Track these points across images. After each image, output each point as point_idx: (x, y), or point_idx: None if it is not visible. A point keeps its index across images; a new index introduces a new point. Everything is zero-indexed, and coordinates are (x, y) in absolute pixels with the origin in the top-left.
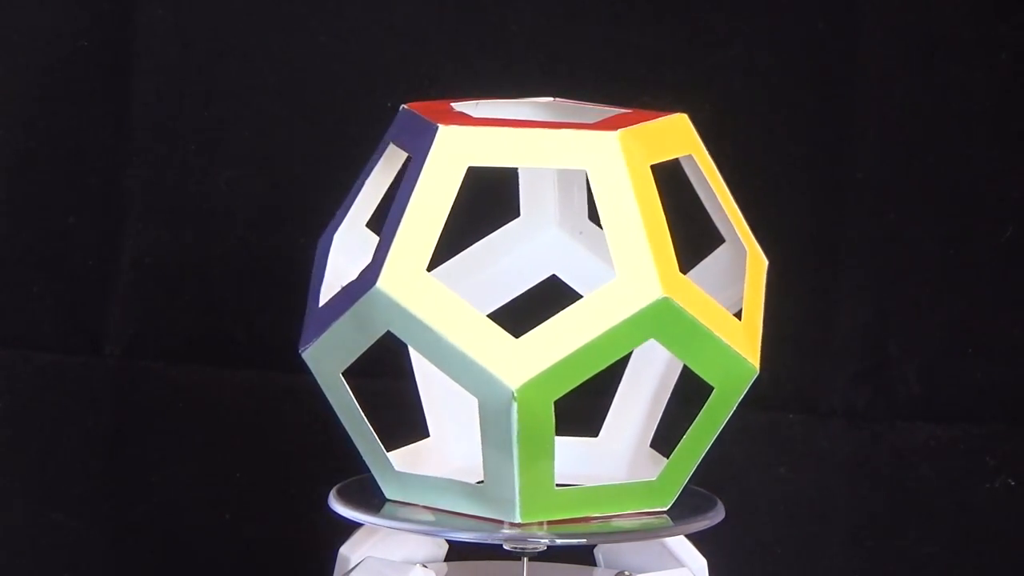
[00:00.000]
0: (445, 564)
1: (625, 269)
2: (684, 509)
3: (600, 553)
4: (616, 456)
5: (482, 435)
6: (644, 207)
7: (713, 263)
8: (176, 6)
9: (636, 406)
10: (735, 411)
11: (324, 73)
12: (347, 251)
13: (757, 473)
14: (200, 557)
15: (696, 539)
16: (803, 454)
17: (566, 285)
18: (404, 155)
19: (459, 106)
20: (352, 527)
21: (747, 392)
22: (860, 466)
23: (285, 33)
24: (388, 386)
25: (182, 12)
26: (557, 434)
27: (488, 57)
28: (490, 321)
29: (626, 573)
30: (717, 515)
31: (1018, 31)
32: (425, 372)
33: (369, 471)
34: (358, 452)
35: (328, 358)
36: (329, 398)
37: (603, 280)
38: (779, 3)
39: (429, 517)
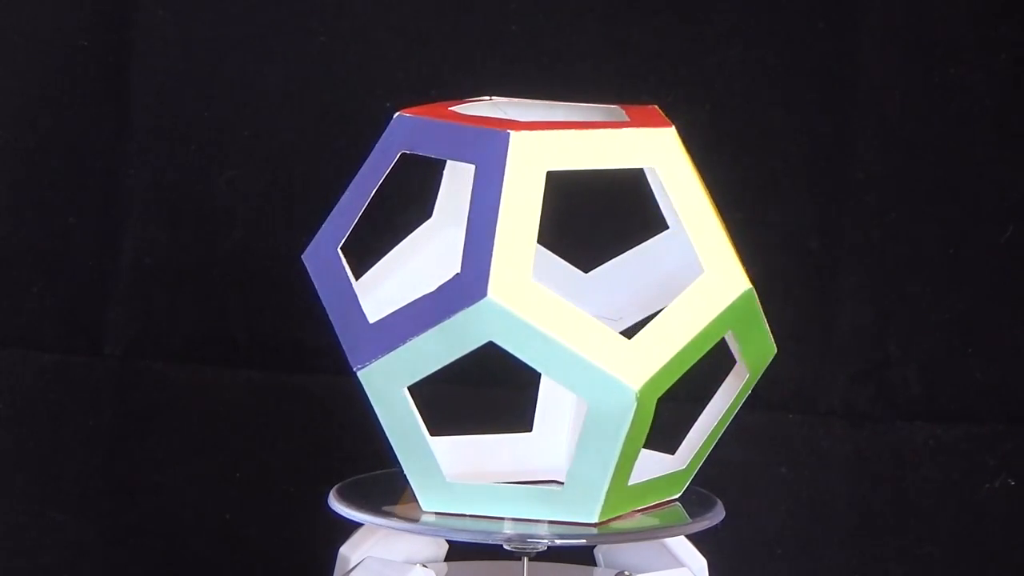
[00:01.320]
0: (445, 564)
1: (712, 264)
2: (684, 509)
3: (600, 553)
4: (553, 450)
5: (583, 438)
6: (710, 202)
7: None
8: (176, 6)
9: (564, 399)
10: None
11: (324, 73)
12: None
13: (757, 473)
14: (200, 557)
15: (696, 539)
16: (803, 454)
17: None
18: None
19: (464, 107)
20: (352, 527)
21: (747, 392)
22: (860, 466)
23: (285, 33)
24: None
25: (182, 12)
26: (488, 432)
27: (488, 57)
28: (602, 324)
29: (626, 573)
30: (717, 515)
31: (1018, 31)
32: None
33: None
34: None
35: (396, 375)
36: (381, 414)
37: None
38: (779, 3)
39: (430, 517)
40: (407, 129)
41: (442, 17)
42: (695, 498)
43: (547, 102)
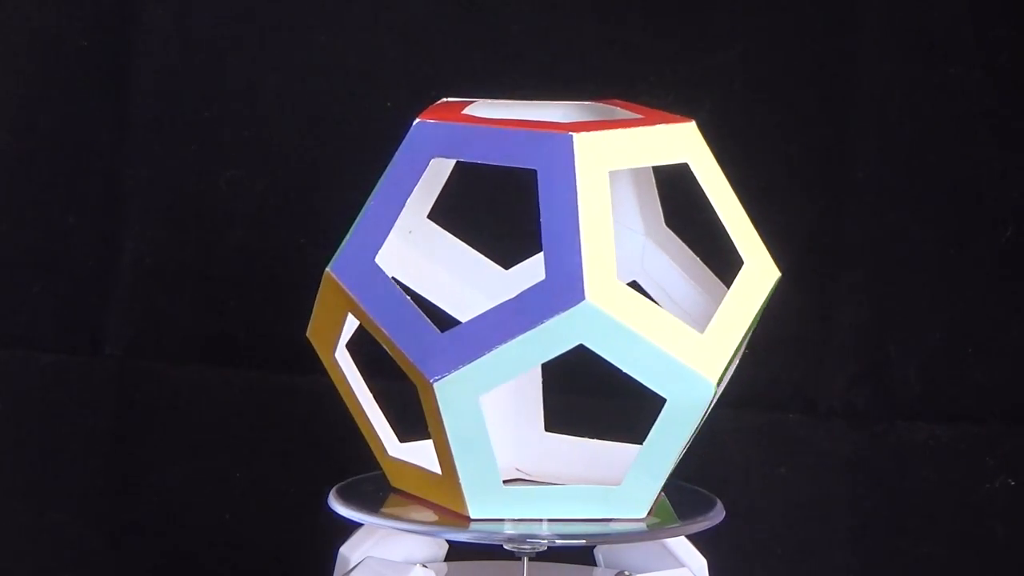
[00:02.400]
0: (445, 564)
1: (749, 255)
2: (684, 509)
3: (600, 553)
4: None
5: (656, 434)
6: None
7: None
8: (176, 6)
9: None
10: (735, 411)
11: (324, 73)
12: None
13: (757, 473)
14: (200, 557)
15: (696, 539)
16: (803, 454)
17: None
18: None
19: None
20: (352, 527)
21: (747, 392)
22: (860, 466)
23: (285, 33)
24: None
25: (182, 12)
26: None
27: (488, 57)
28: (676, 320)
29: (626, 573)
30: (717, 515)
31: (1018, 31)
32: None
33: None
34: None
35: (476, 384)
36: (448, 422)
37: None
38: (779, 3)
39: (431, 517)
40: (437, 136)
41: (442, 18)
42: (695, 498)
43: (532, 102)
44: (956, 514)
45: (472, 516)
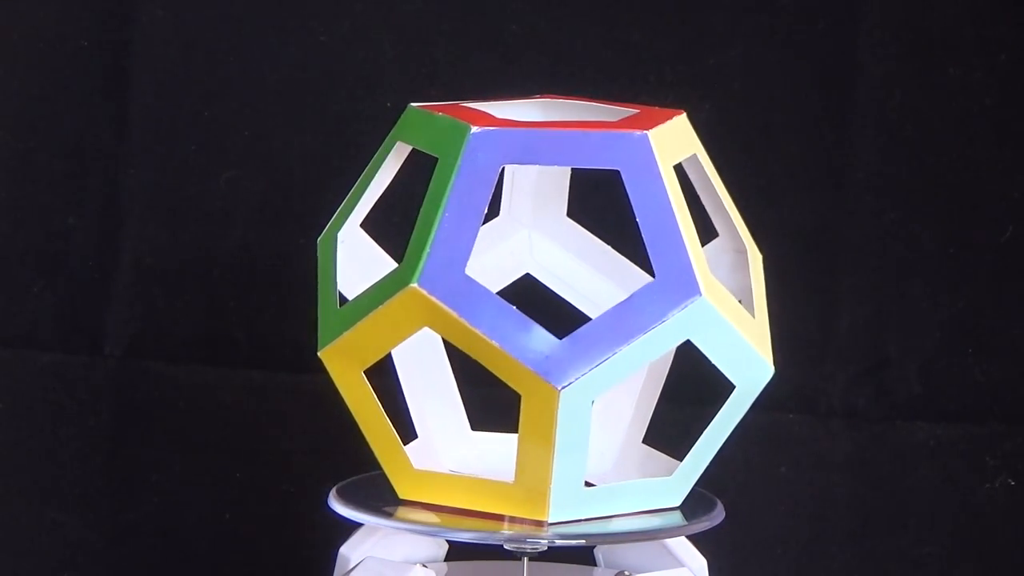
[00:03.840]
0: (445, 564)
1: (748, 242)
2: (684, 509)
3: (600, 553)
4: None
5: (719, 421)
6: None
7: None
8: (176, 6)
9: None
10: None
11: (324, 73)
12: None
13: (757, 473)
14: (200, 557)
15: (696, 539)
16: (803, 454)
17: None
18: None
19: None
20: (352, 527)
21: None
22: (860, 466)
23: (285, 33)
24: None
25: (182, 12)
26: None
27: (488, 57)
28: (739, 305)
29: (626, 573)
30: (717, 515)
31: (1018, 31)
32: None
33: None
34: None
35: (595, 388)
36: (561, 428)
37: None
38: (779, 3)
39: (432, 517)
40: (502, 142)
41: (442, 17)
42: (695, 498)
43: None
44: (956, 514)
45: (551, 520)
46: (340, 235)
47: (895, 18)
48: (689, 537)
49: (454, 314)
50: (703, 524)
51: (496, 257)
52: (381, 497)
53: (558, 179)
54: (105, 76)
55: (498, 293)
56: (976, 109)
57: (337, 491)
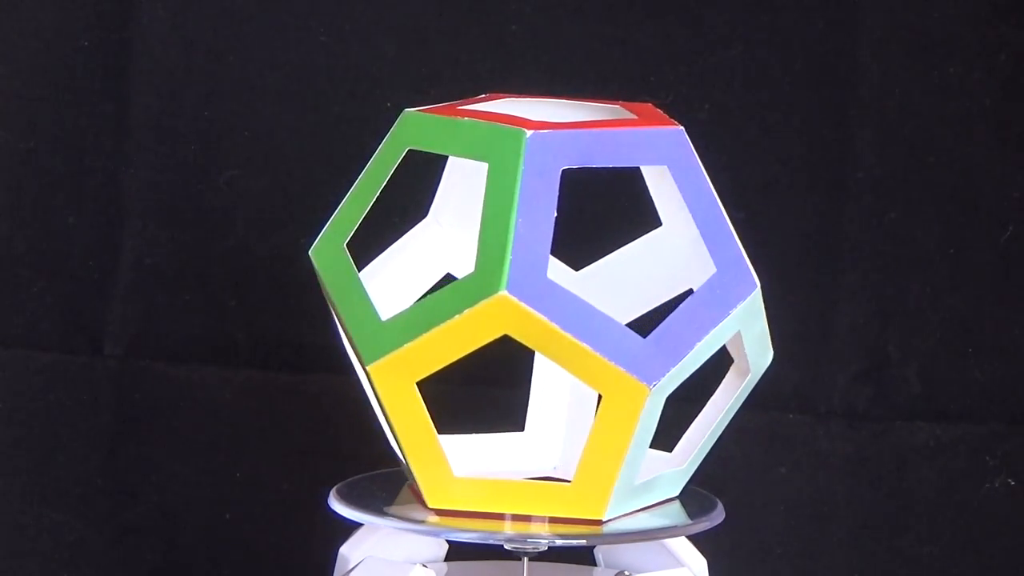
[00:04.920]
0: (445, 564)
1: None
2: (684, 509)
3: (600, 553)
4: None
5: (731, 406)
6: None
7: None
8: (176, 6)
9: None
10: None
11: (324, 73)
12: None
13: (757, 473)
14: (200, 557)
15: (696, 539)
16: (803, 454)
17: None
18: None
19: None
20: (352, 527)
21: (746, 393)
22: (860, 466)
23: (285, 33)
24: None
25: (182, 12)
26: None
27: (488, 57)
28: None
29: (626, 573)
30: (717, 516)
31: (1018, 31)
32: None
33: None
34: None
35: (673, 383)
36: (641, 427)
37: None
38: (779, 3)
39: (432, 517)
40: (558, 145)
41: (442, 17)
42: (695, 498)
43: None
44: (956, 514)
45: (607, 516)
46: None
47: (895, 18)
48: (689, 537)
49: (543, 318)
50: (703, 524)
51: (417, 257)
52: (381, 497)
53: (480, 179)
54: (105, 76)
55: (424, 293)
56: (976, 109)
57: (337, 491)
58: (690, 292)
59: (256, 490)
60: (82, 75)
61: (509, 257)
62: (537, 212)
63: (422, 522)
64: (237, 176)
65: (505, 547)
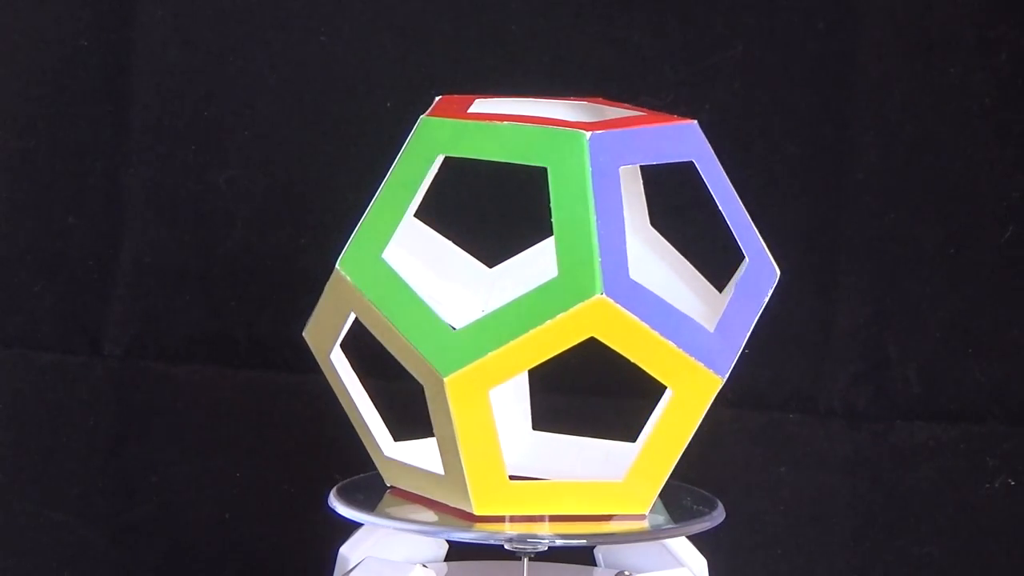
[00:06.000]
0: (445, 564)
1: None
2: (684, 509)
3: (600, 553)
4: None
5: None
6: None
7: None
8: (176, 6)
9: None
10: (735, 411)
11: (324, 73)
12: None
13: (757, 473)
14: (200, 557)
15: (696, 539)
16: (803, 454)
17: None
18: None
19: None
20: (352, 527)
21: (747, 392)
22: (860, 466)
23: (285, 33)
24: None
25: (182, 12)
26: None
27: (488, 57)
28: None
29: (626, 573)
30: (718, 516)
31: (1018, 31)
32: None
33: None
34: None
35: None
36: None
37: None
38: (779, 3)
39: (431, 517)
40: (615, 144)
41: (442, 17)
42: (695, 498)
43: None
44: (956, 514)
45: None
46: (384, 255)
47: (895, 18)
48: (689, 537)
49: (635, 319)
50: (703, 524)
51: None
52: (381, 497)
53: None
54: (105, 76)
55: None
56: (976, 109)
57: (337, 491)
58: None
59: (256, 490)
60: (82, 75)
61: (599, 259)
62: (610, 213)
63: (422, 522)
64: (237, 176)
65: (505, 547)
